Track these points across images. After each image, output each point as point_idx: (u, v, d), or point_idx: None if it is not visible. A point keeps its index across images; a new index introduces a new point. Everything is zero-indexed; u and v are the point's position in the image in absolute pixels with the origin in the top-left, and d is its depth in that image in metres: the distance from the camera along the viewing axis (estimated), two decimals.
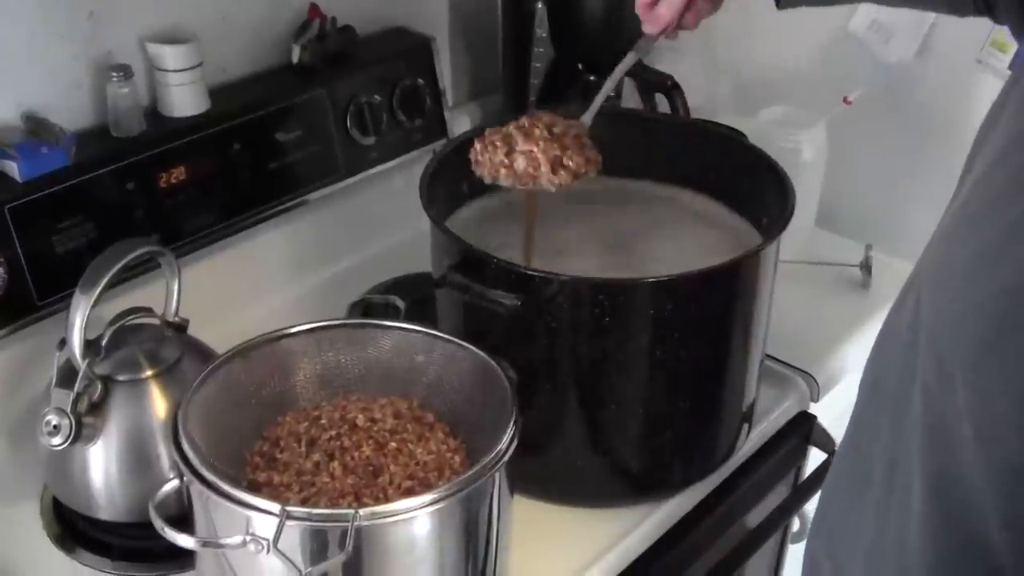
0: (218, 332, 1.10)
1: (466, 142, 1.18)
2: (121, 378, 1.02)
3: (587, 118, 1.11)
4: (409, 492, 0.91)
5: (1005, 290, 0.67)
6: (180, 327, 1.09)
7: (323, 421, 0.98)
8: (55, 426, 0.98)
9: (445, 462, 0.95)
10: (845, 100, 1.44)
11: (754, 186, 1.15)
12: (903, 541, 0.75)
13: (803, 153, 1.43)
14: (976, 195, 0.73)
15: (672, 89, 1.45)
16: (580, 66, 1.52)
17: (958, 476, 0.70)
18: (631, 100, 1.51)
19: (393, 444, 0.95)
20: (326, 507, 0.89)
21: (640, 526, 1.09)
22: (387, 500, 0.90)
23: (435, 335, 1.02)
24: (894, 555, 0.77)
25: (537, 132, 1.07)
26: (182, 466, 0.86)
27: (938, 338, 0.72)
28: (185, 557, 0.98)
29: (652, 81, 1.48)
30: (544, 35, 1.51)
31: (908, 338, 0.76)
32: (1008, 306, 0.67)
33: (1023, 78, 0.75)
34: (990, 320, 0.68)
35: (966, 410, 0.69)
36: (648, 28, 1.06)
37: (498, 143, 1.07)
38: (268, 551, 0.81)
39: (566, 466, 1.08)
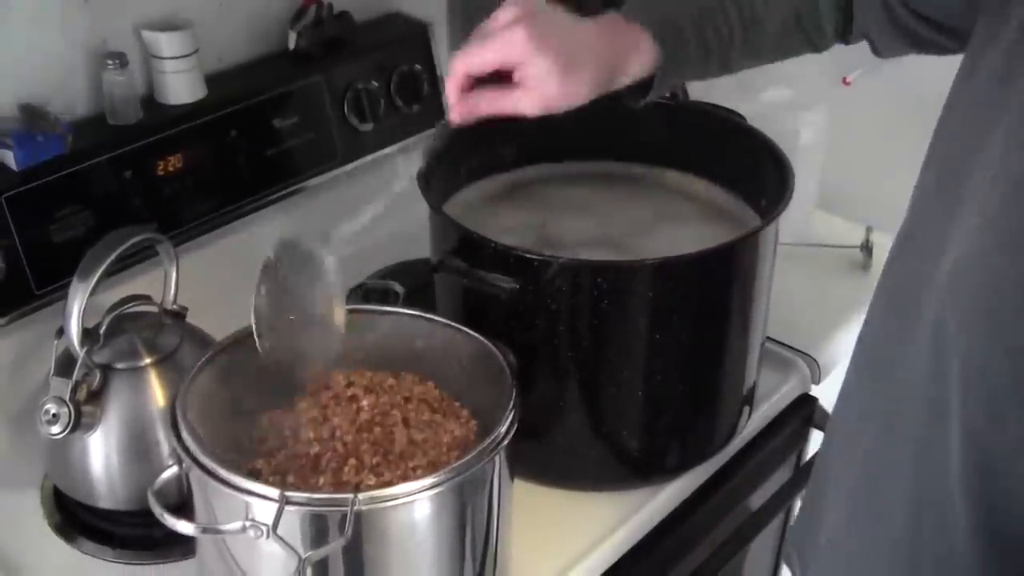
0: (217, 320, 1.09)
1: (464, 126, 1.18)
2: (120, 366, 1.02)
3: None
4: (411, 476, 0.90)
5: None
6: (179, 315, 1.09)
7: (323, 408, 0.98)
8: (54, 415, 0.97)
9: (450, 443, 0.95)
10: (844, 81, 1.43)
11: (753, 168, 1.15)
12: None
13: (803, 135, 1.43)
14: (1015, 210, 0.67)
15: None
16: None
17: (1015, 512, 0.67)
18: None
19: (392, 430, 0.95)
20: (326, 492, 0.89)
21: (641, 509, 1.09)
22: (387, 484, 0.89)
23: (434, 320, 1.02)
24: None
25: None
26: (181, 453, 0.86)
27: (985, 372, 0.67)
28: (185, 545, 0.98)
29: None
30: None
31: (931, 370, 0.72)
32: None
33: (1020, 79, 0.72)
34: None
35: (1020, 444, 0.66)
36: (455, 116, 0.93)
37: None
38: (268, 536, 0.81)
39: (567, 450, 1.08)
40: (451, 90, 0.90)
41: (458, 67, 0.90)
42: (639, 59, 0.93)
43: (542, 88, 0.89)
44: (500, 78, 0.90)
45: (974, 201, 0.71)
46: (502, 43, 0.88)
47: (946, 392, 0.70)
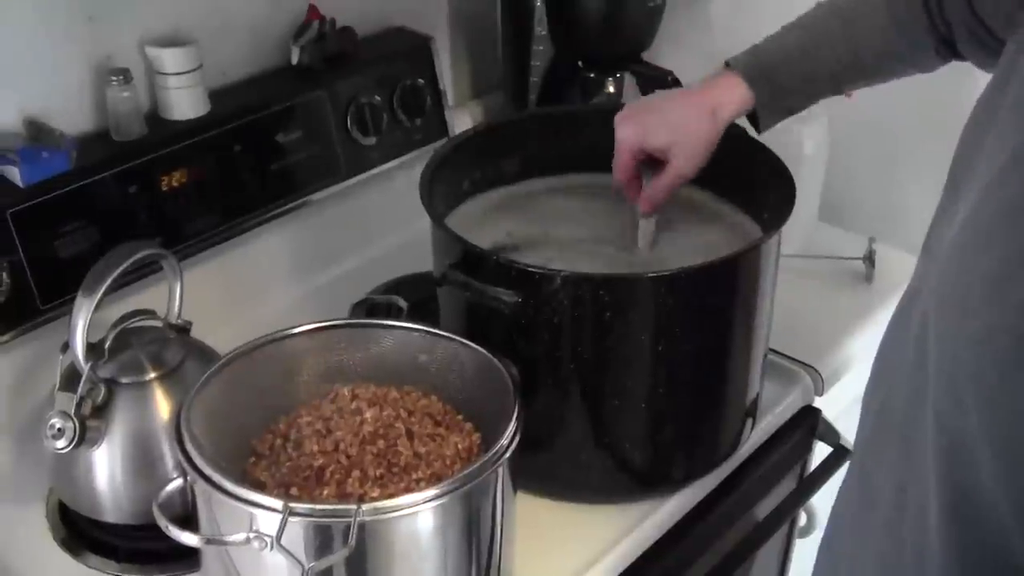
0: (221, 334, 1.10)
1: (466, 140, 1.19)
2: (124, 381, 1.02)
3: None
4: (414, 488, 0.91)
5: None
6: (183, 329, 1.09)
7: (327, 420, 0.98)
8: (59, 429, 0.98)
9: (453, 455, 0.95)
10: (847, 94, 1.43)
11: (755, 180, 1.15)
12: (922, 563, 0.74)
13: (804, 146, 1.43)
14: (988, 206, 0.70)
15: (672, 84, 1.45)
16: (580, 63, 1.52)
17: (978, 498, 0.68)
18: (632, 96, 1.51)
19: (396, 442, 0.95)
20: (329, 503, 0.89)
21: (645, 521, 1.09)
22: (391, 496, 0.90)
23: (437, 334, 1.02)
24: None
25: None
26: (185, 465, 0.86)
27: (952, 359, 0.69)
28: (190, 559, 0.98)
29: (652, 77, 1.48)
30: (543, 33, 1.51)
31: (915, 359, 0.75)
32: None
33: (1011, 84, 0.74)
34: (1011, 339, 0.65)
35: (982, 431, 0.67)
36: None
37: None
38: (272, 548, 0.81)
39: (570, 462, 1.08)
40: (625, 190, 1.14)
41: (619, 176, 1.11)
42: (736, 102, 1.09)
43: (681, 160, 1.08)
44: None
45: (965, 200, 0.74)
46: (625, 161, 1.10)
47: (925, 380, 0.73)
